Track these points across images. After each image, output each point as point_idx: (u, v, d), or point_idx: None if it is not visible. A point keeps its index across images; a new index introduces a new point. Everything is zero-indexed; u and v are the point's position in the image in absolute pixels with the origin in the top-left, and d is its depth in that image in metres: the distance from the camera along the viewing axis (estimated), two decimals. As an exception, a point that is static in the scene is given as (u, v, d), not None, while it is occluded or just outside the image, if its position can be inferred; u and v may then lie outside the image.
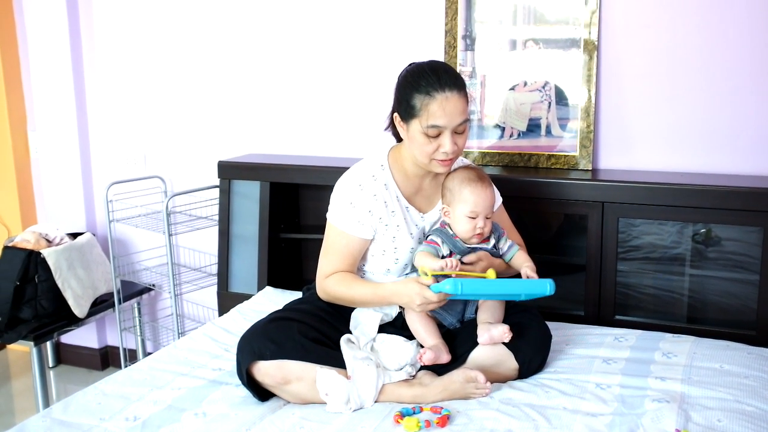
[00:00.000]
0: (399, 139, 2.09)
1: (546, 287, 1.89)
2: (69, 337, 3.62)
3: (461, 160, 2.19)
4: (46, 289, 2.96)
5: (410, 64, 2.01)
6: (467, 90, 1.96)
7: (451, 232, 2.01)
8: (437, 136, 1.91)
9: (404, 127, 1.98)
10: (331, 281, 2.05)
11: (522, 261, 2.05)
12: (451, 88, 1.90)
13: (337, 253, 2.05)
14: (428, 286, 1.84)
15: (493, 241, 2.05)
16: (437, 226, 2.07)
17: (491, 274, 1.91)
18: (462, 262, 1.97)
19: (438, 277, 1.88)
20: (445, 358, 1.91)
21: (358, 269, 2.12)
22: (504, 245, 2.07)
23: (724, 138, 2.48)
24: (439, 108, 1.89)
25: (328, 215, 2.09)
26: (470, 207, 1.97)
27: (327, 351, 1.91)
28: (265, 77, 3.08)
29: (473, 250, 2.00)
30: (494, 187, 2.05)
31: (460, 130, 1.94)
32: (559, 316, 2.39)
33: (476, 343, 1.94)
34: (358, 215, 2.02)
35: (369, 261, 2.10)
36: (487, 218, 1.99)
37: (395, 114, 2.01)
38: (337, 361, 1.89)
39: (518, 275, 2.04)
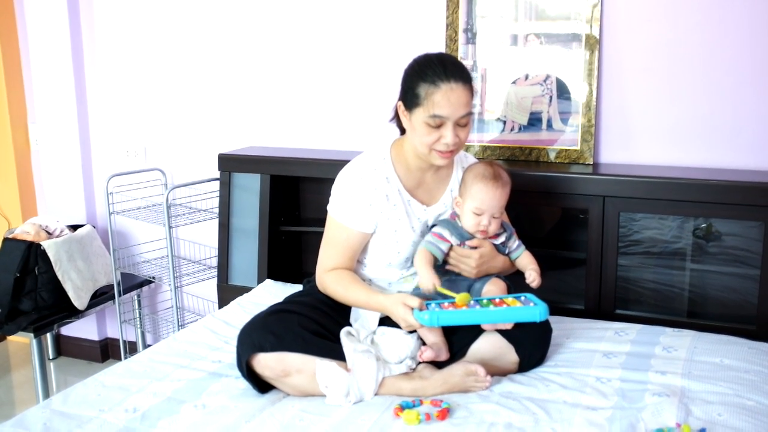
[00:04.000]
0: (402, 132, 2.09)
1: (536, 314, 1.82)
2: (69, 328, 3.62)
3: (463, 155, 2.19)
4: (46, 281, 2.95)
5: (419, 55, 2.01)
6: (473, 84, 1.96)
7: (460, 223, 2.01)
8: (439, 126, 1.91)
9: (407, 116, 1.97)
10: (329, 278, 2.05)
11: (527, 263, 2.07)
12: (456, 79, 1.89)
13: (337, 246, 2.05)
14: (412, 309, 1.83)
15: (502, 239, 2.05)
16: (446, 216, 2.07)
17: (463, 299, 1.85)
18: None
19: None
20: (444, 356, 1.92)
21: (359, 262, 2.12)
22: (512, 244, 2.08)
23: (725, 133, 2.47)
24: (443, 98, 1.88)
25: (328, 207, 2.09)
26: (476, 204, 1.97)
27: (327, 343, 1.90)
28: (265, 70, 3.07)
29: None
30: (509, 186, 2.03)
31: (462, 123, 1.93)
32: (560, 310, 2.38)
33: (476, 336, 1.94)
34: (358, 208, 2.02)
35: (370, 254, 2.10)
36: (494, 217, 2.00)
37: (399, 102, 2.01)
38: (337, 353, 1.88)
39: (519, 274, 2.05)
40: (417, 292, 1.98)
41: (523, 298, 1.89)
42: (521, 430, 1.66)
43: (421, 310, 1.81)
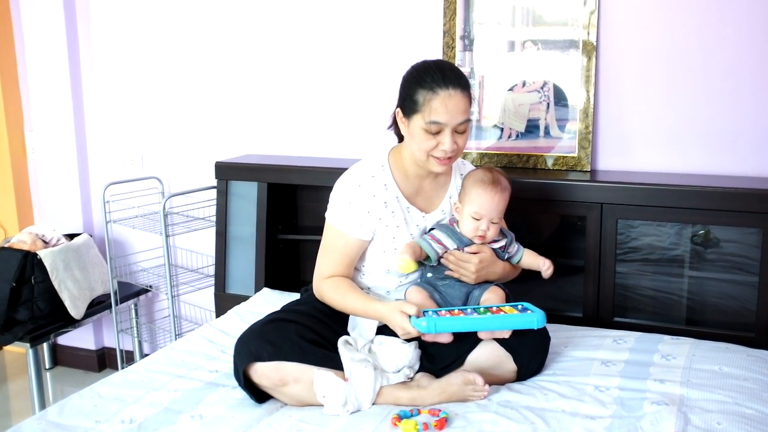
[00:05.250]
0: (400, 139, 2.09)
1: (533, 321, 1.81)
2: (65, 338, 3.61)
3: (461, 162, 2.19)
4: (42, 291, 2.94)
5: (418, 62, 2.01)
6: (471, 91, 1.96)
7: (459, 229, 2.01)
8: (438, 133, 1.91)
9: (405, 122, 1.97)
10: (326, 286, 2.04)
11: (533, 258, 2.09)
12: (455, 86, 1.90)
13: (335, 254, 2.05)
14: (409, 317, 1.83)
15: (502, 243, 2.05)
16: (445, 221, 2.07)
17: (408, 266, 1.94)
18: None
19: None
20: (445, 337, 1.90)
21: (357, 270, 2.11)
22: (512, 249, 2.09)
23: (723, 139, 2.47)
24: (441, 104, 1.88)
25: (326, 215, 2.09)
26: (475, 208, 1.98)
27: (324, 353, 1.90)
28: (262, 77, 3.07)
29: None
30: (508, 192, 2.04)
31: (460, 130, 1.93)
32: (558, 317, 2.37)
33: (474, 345, 1.93)
34: (356, 216, 2.02)
35: (368, 261, 2.09)
36: (493, 223, 1.99)
37: (398, 109, 2.01)
38: (334, 362, 1.88)
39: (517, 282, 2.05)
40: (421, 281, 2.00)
41: (520, 306, 1.89)
42: (520, 440, 1.65)
43: (418, 317, 1.81)
